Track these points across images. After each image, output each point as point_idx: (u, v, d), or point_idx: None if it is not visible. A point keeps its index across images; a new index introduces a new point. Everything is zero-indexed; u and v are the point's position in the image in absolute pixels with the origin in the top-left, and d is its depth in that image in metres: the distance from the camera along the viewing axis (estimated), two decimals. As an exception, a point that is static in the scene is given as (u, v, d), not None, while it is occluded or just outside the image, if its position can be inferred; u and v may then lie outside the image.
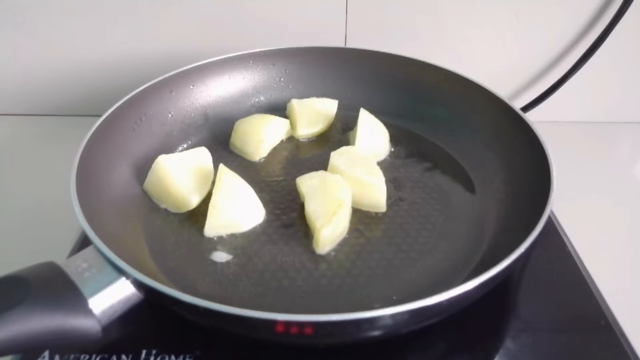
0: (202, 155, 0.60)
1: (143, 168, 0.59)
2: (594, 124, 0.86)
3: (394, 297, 0.47)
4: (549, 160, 0.52)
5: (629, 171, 0.77)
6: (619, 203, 0.70)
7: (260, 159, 0.66)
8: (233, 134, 0.67)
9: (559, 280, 0.53)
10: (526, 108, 0.81)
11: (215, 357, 0.45)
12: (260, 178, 0.62)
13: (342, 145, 0.61)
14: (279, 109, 0.73)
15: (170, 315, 0.42)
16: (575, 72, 0.78)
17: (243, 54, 0.72)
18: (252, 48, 0.72)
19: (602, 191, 0.72)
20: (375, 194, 0.56)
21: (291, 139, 0.70)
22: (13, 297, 0.37)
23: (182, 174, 0.56)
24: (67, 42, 0.79)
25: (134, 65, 0.81)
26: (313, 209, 0.53)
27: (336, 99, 0.72)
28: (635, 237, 0.64)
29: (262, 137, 0.65)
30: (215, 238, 0.54)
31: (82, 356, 0.44)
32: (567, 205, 0.60)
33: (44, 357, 0.43)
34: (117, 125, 0.59)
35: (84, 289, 0.39)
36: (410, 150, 0.67)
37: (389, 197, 0.58)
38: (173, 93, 0.67)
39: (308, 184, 0.55)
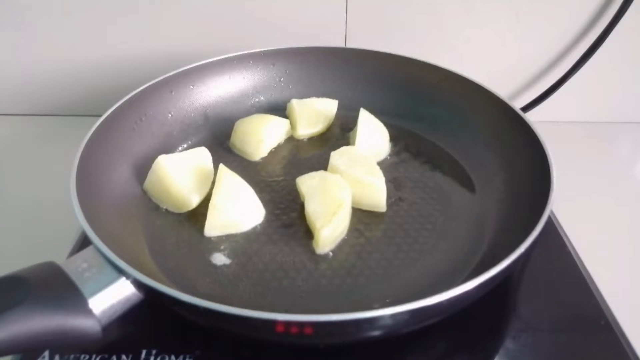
0: (202, 155, 0.60)
1: (143, 168, 0.59)
2: (594, 124, 0.86)
3: (387, 300, 0.47)
4: (549, 160, 0.52)
5: (629, 171, 0.77)
6: (619, 203, 0.70)
7: (260, 159, 0.66)
8: (233, 134, 0.67)
9: (559, 280, 0.53)
10: (526, 108, 0.81)
11: (215, 357, 0.45)
12: (260, 178, 0.62)
13: (342, 145, 0.61)
14: (279, 109, 0.73)
15: (170, 315, 0.42)
16: (575, 72, 0.78)
17: (243, 54, 0.72)
18: (252, 48, 0.72)
19: (602, 191, 0.72)
20: (375, 194, 0.56)
21: (291, 139, 0.70)
22: (13, 297, 0.37)
23: (182, 174, 0.56)
24: (67, 42, 0.79)
25: (134, 65, 0.81)
26: (313, 209, 0.53)
27: (336, 99, 0.72)
28: (635, 237, 0.64)
29: (262, 137, 0.65)
30: (215, 238, 0.54)
31: (82, 356, 0.44)
32: (567, 205, 0.60)
33: (44, 357, 0.43)
34: (117, 125, 0.59)
35: (84, 289, 0.39)
36: (410, 150, 0.67)
37: (389, 197, 0.58)
38: (173, 93, 0.67)
39: (308, 184, 0.55)
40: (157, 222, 0.56)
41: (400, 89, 0.72)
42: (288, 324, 0.37)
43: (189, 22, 0.78)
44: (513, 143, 0.59)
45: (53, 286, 0.39)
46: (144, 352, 0.44)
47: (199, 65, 0.69)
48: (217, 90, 0.71)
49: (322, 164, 0.61)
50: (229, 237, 0.54)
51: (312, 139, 0.70)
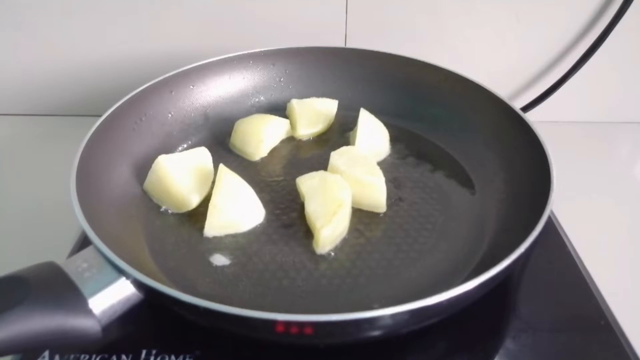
0: (202, 155, 0.60)
1: (143, 168, 0.59)
2: (594, 124, 0.86)
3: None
4: (549, 160, 0.52)
5: (629, 171, 0.77)
6: (619, 203, 0.70)
7: (260, 159, 0.66)
8: (233, 134, 0.67)
9: (559, 280, 0.53)
10: (526, 108, 0.81)
11: (215, 357, 0.45)
12: (260, 178, 0.62)
13: (342, 145, 0.61)
14: (279, 109, 0.73)
15: (170, 315, 0.42)
16: (575, 72, 0.78)
17: (243, 54, 0.72)
18: (252, 48, 0.72)
19: (602, 191, 0.72)
20: (375, 194, 0.56)
21: (291, 139, 0.70)
22: (13, 297, 0.37)
23: (182, 174, 0.56)
24: (67, 42, 0.79)
25: (134, 65, 0.81)
26: (313, 209, 0.53)
27: (336, 99, 0.72)
28: (635, 237, 0.64)
29: (262, 137, 0.65)
30: (215, 238, 0.54)
31: (82, 356, 0.44)
32: (567, 205, 0.60)
33: (44, 357, 0.43)
34: (117, 125, 0.59)
35: (84, 289, 0.39)
36: (410, 150, 0.67)
37: (389, 197, 0.58)
38: (173, 93, 0.67)
39: (308, 184, 0.55)
40: (157, 222, 0.56)
41: (400, 89, 0.72)
42: (288, 324, 0.37)
43: (189, 22, 0.78)
44: (513, 143, 0.59)
45: (53, 286, 0.39)
46: (144, 352, 0.44)
47: (199, 65, 0.69)
48: (217, 90, 0.71)
49: (322, 164, 0.61)
50: (229, 237, 0.54)
51: (312, 139, 0.70)
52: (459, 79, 0.67)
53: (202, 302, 0.37)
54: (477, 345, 0.47)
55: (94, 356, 0.44)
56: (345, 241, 0.54)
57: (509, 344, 0.47)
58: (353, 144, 0.64)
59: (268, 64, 0.74)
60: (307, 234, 0.54)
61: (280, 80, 0.75)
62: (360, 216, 0.56)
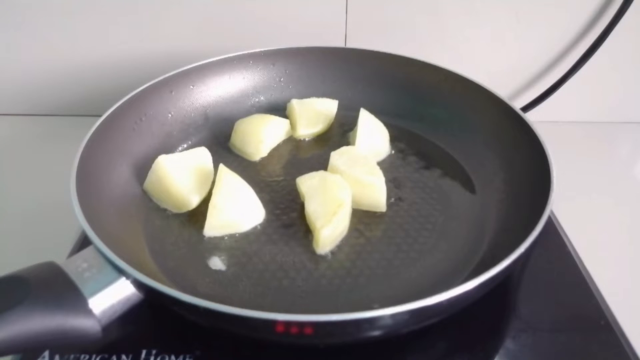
0: (202, 155, 0.60)
1: (143, 168, 0.59)
2: (594, 124, 0.86)
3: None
4: (549, 160, 0.52)
5: (629, 171, 0.77)
6: (619, 203, 0.70)
7: (260, 159, 0.66)
8: (233, 134, 0.67)
9: (559, 280, 0.53)
10: (526, 108, 0.81)
11: (215, 357, 0.45)
12: (260, 178, 0.62)
13: (342, 145, 0.61)
14: (279, 109, 0.73)
15: (170, 315, 0.42)
16: (575, 72, 0.78)
17: (243, 54, 0.72)
18: (252, 48, 0.72)
19: (602, 191, 0.72)
20: (375, 194, 0.56)
21: (291, 139, 0.70)
22: (13, 297, 0.37)
23: (182, 174, 0.56)
24: (67, 42, 0.79)
25: (134, 65, 0.81)
26: (313, 209, 0.53)
27: (336, 99, 0.72)
28: (635, 237, 0.64)
29: (262, 137, 0.65)
30: (215, 238, 0.54)
31: (82, 356, 0.44)
32: (567, 205, 0.60)
33: (44, 357, 0.43)
34: (117, 125, 0.59)
35: (84, 289, 0.39)
36: (410, 150, 0.67)
37: (389, 197, 0.58)
38: (173, 93, 0.67)
39: (308, 184, 0.55)
40: (157, 222, 0.56)
41: (400, 89, 0.72)
42: (288, 324, 0.37)
43: (189, 22, 0.78)
44: (513, 143, 0.59)
45: (53, 286, 0.39)
46: (144, 352, 0.44)
47: (199, 65, 0.69)
48: (217, 90, 0.71)
49: (322, 164, 0.61)
50: (229, 237, 0.54)
51: (312, 139, 0.70)
52: (459, 79, 0.67)
53: (202, 302, 0.37)
54: (477, 345, 0.47)
55: (94, 356, 0.44)
56: (345, 241, 0.54)
57: (509, 344, 0.47)
58: (353, 144, 0.64)
59: (268, 64, 0.74)
60: (307, 234, 0.54)
61: (280, 80, 0.75)
62: (360, 216, 0.56)
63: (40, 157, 0.77)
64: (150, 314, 0.47)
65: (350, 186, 0.55)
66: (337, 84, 0.74)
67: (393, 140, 0.68)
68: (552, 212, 0.59)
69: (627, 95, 0.84)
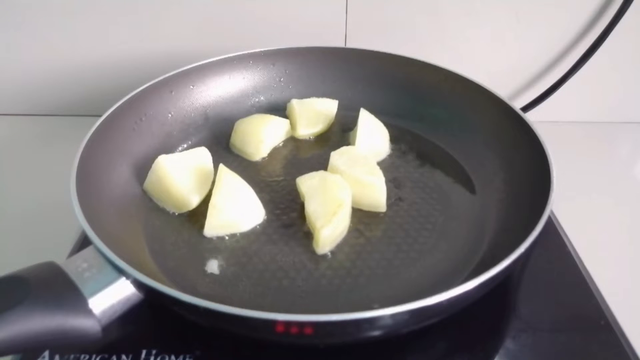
0: (202, 155, 0.60)
1: (143, 168, 0.59)
2: (594, 124, 0.86)
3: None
4: (549, 160, 0.52)
5: (629, 171, 0.77)
6: (619, 203, 0.70)
7: (260, 159, 0.66)
8: (233, 134, 0.67)
9: (559, 280, 0.53)
10: (526, 108, 0.81)
11: (215, 357, 0.45)
12: (260, 178, 0.62)
13: (342, 145, 0.61)
14: (279, 109, 0.73)
15: (170, 315, 0.42)
16: (575, 72, 0.78)
17: (243, 54, 0.72)
18: (252, 48, 0.72)
19: (602, 191, 0.72)
20: (375, 194, 0.56)
21: (291, 139, 0.70)
22: (13, 297, 0.37)
23: (182, 174, 0.56)
24: (67, 42, 0.79)
25: (134, 65, 0.81)
26: (313, 209, 0.53)
27: (336, 99, 0.72)
28: (635, 237, 0.64)
29: (262, 137, 0.65)
30: (215, 238, 0.54)
31: (82, 356, 0.44)
32: (567, 205, 0.60)
33: (44, 357, 0.43)
34: (117, 125, 0.59)
35: (84, 289, 0.39)
36: (410, 150, 0.67)
37: (389, 197, 0.58)
38: (173, 93, 0.67)
39: (308, 184, 0.55)
40: (157, 222, 0.56)
41: (400, 89, 0.72)
42: (288, 324, 0.37)
43: (189, 22, 0.78)
44: (513, 143, 0.59)
45: (53, 286, 0.39)
46: (144, 352, 0.44)
47: (199, 65, 0.69)
48: (217, 90, 0.71)
49: (322, 164, 0.61)
50: (229, 237, 0.54)
51: (312, 139, 0.70)
52: (459, 79, 0.67)
53: (202, 302, 0.37)
54: (477, 345, 0.47)
55: (94, 356, 0.44)
56: (345, 241, 0.54)
57: (509, 344, 0.47)
58: (353, 144, 0.64)
59: (268, 64, 0.74)
60: (307, 234, 0.54)
61: (280, 80, 0.75)
62: (360, 216, 0.56)
63: (40, 157, 0.77)
64: (150, 314, 0.47)
65: (350, 186, 0.55)
66: (337, 84, 0.74)
67: (393, 140, 0.68)
68: (552, 212, 0.59)
69: (627, 95, 0.84)
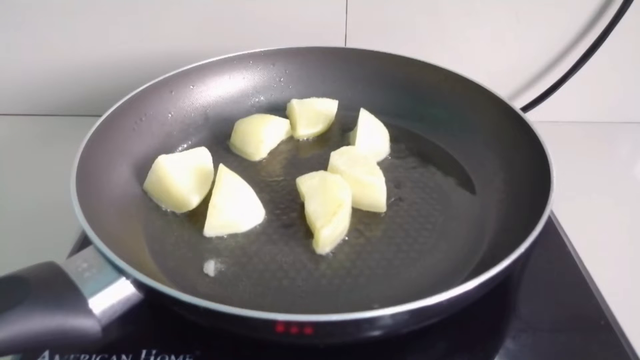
0: (202, 155, 0.60)
1: (143, 168, 0.59)
2: (594, 124, 0.86)
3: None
4: (549, 160, 0.52)
5: (629, 171, 0.77)
6: (619, 203, 0.70)
7: (260, 159, 0.66)
8: (233, 134, 0.67)
9: (559, 280, 0.53)
10: (526, 108, 0.81)
11: (215, 357, 0.45)
12: (260, 178, 0.62)
13: (342, 145, 0.61)
14: (279, 109, 0.73)
15: (170, 315, 0.42)
16: (575, 72, 0.78)
17: (243, 54, 0.72)
18: (252, 48, 0.72)
19: (602, 191, 0.72)
20: (375, 194, 0.56)
21: (291, 139, 0.70)
22: (13, 297, 0.37)
23: (182, 174, 0.56)
24: (67, 42, 0.79)
25: (134, 65, 0.81)
26: (313, 209, 0.53)
27: (336, 99, 0.72)
28: (635, 237, 0.64)
29: (262, 137, 0.65)
30: (215, 238, 0.54)
31: (82, 356, 0.44)
32: (567, 205, 0.60)
33: (44, 357, 0.43)
34: (117, 125, 0.59)
35: (84, 289, 0.39)
36: (410, 150, 0.67)
37: (389, 197, 0.58)
38: (173, 93, 0.67)
39: (308, 184, 0.55)
40: (157, 222, 0.56)
41: (400, 89, 0.72)
42: (288, 324, 0.37)
43: (189, 22, 0.78)
44: (513, 143, 0.59)
45: (53, 286, 0.39)
46: (144, 352, 0.44)
47: (199, 65, 0.69)
48: (217, 90, 0.71)
49: (322, 164, 0.61)
50: (229, 237, 0.54)
51: (312, 139, 0.70)
52: (459, 79, 0.67)
53: (202, 302, 0.37)
54: (477, 345, 0.47)
55: (94, 356, 0.44)
56: (345, 241, 0.54)
57: (509, 344, 0.47)
58: (353, 144, 0.64)
59: (268, 64, 0.74)
60: (307, 234, 0.54)
61: (280, 80, 0.75)
62: (360, 216, 0.56)
63: (40, 157, 0.77)
64: (150, 314, 0.47)
65: (350, 186, 0.55)
66: (337, 84, 0.74)
67: (393, 140, 0.68)
68: (552, 212, 0.59)
69: (627, 95, 0.84)
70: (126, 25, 0.78)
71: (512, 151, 0.59)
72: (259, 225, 0.56)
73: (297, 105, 0.69)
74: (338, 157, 0.58)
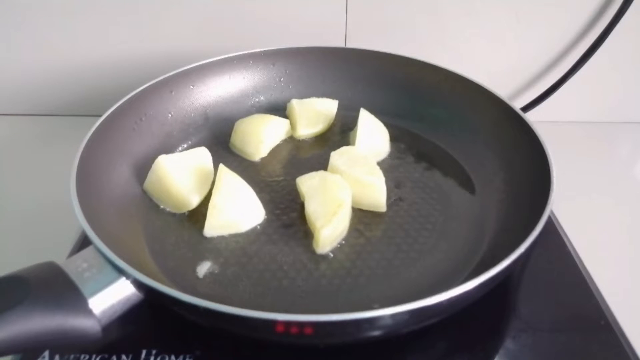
0: (202, 155, 0.60)
1: (143, 168, 0.59)
2: (594, 124, 0.86)
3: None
4: (549, 160, 0.52)
5: (629, 171, 0.77)
6: (619, 203, 0.70)
7: (260, 159, 0.66)
8: (233, 134, 0.67)
9: (559, 280, 0.53)
10: (526, 108, 0.81)
11: (215, 357, 0.45)
12: (260, 178, 0.62)
13: (342, 145, 0.61)
14: (279, 109, 0.73)
15: (170, 315, 0.42)
16: (575, 72, 0.78)
17: (243, 54, 0.72)
18: (252, 48, 0.72)
19: (602, 191, 0.72)
20: (375, 194, 0.56)
21: (291, 139, 0.70)
22: (13, 297, 0.37)
23: (182, 174, 0.56)
24: (67, 42, 0.79)
25: (134, 65, 0.81)
26: (313, 209, 0.53)
27: (336, 99, 0.72)
28: (635, 237, 0.64)
29: (262, 137, 0.65)
30: (215, 238, 0.54)
31: (82, 356, 0.44)
32: (567, 205, 0.60)
33: (44, 357, 0.43)
34: (117, 125, 0.59)
35: (84, 289, 0.39)
36: (410, 150, 0.67)
37: (389, 197, 0.58)
38: (173, 93, 0.67)
39: (308, 184, 0.55)
40: (157, 222, 0.56)
41: (400, 89, 0.72)
42: (288, 324, 0.37)
43: (189, 22, 0.78)
44: (513, 143, 0.59)
45: (53, 286, 0.39)
46: (144, 352, 0.44)
47: (199, 65, 0.69)
48: (217, 90, 0.71)
49: (322, 164, 0.61)
50: (229, 237, 0.54)
51: (312, 139, 0.70)
52: (459, 79, 0.67)
53: (202, 302, 0.37)
54: (477, 345, 0.47)
55: (94, 356, 0.44)
56: (345, 241, 0.54)
57: (509, 344, 0.47)
58: (353, 144, 0.64)
59: (268, 64, 0.74)
60: (307, 234, 0.54)
61: (280, 80, 0.75)
62: (360, 216, 0.56)
63: (40, 157, 0.77)
64: (150, 314, 0.47)
65: (350, 186, 0.55)
66: (337, 84, 0.74)
67: (393, 140, 0.68)
68: (552, 212, 0.59)
69: (627, 95, 0.84)
70: (126, 25, 0.78)
71: (512, 151, 0.59)
72: (259, 225, 0.56)
73: (297, 105, 0.69)
74: (338, 157, 0.58)
